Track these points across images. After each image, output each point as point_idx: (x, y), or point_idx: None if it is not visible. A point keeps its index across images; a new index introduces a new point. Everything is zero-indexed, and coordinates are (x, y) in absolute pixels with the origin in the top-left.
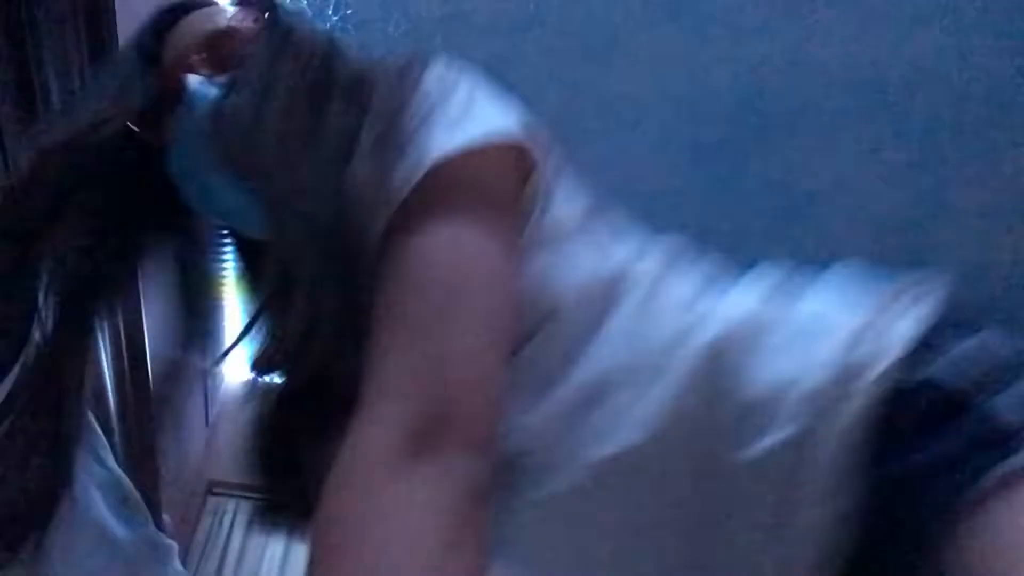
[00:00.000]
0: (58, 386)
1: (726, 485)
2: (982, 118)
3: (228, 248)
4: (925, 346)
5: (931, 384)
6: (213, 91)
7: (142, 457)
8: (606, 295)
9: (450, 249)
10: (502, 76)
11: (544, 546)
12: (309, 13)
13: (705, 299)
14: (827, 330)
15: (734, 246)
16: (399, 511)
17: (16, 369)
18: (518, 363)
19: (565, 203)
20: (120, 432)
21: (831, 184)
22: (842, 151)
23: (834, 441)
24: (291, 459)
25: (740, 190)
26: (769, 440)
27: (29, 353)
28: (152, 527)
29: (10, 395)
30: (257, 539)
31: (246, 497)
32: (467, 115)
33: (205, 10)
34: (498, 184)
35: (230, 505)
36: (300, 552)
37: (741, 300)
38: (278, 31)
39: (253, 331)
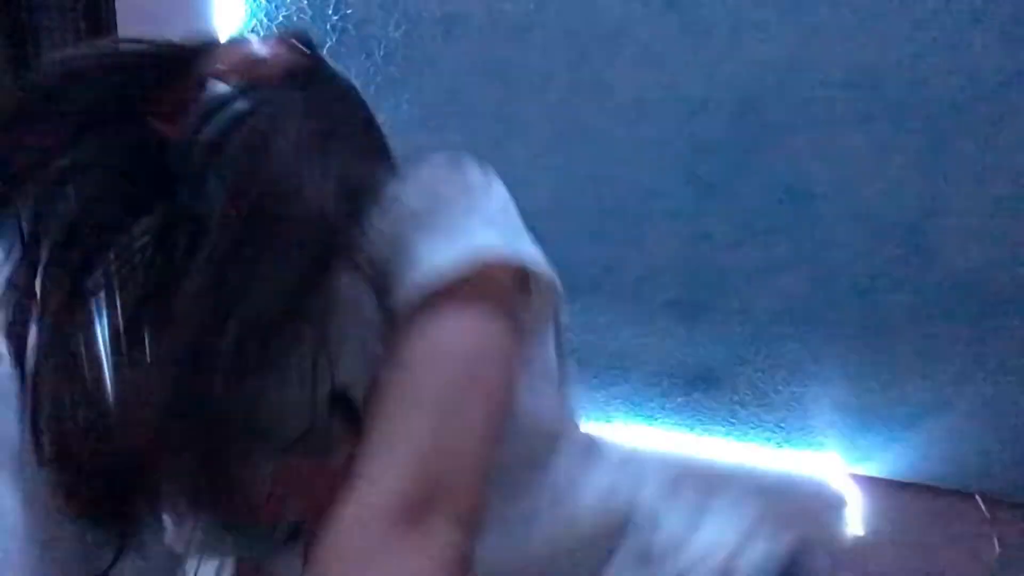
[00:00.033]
0: None
1: None
2: (982, 118)
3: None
4: None
5: None
6: (236, 103)
7: None
8: (549, 444)
9: (477, 343)
10: (502, 76)
11: None
12: (309, 13)
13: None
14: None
15: (734, 246)
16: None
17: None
18: None
19: (547, 346)
20: None
21: (831, 184)
22: (842, 151)
23: None
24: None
25: (740, 190)
26: None
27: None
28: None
29: None
30: None
31: None
32: (515, 225)
33: (249, 38)
34: (519, 301)
35: None
36: None
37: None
38: (316, 69)
39: None
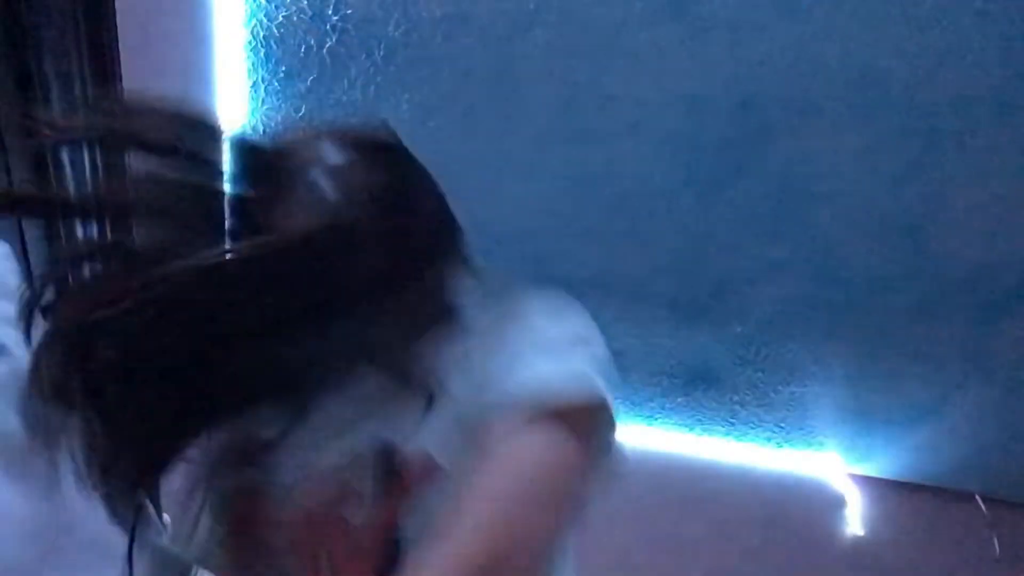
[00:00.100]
0: None
1: None
2: (982, 118)
3: None
4: None
5: None
6: (327, 190)
7: None
8: None
9: (565, 460)
10: (502, 76)
11: None
12: (309, 13)
13: None
14: None
15: (734, 246)
16: None
17: None
18: None
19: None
20: None
21: (831, 184)
22: (842, 151)
23: None
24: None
25: (740, 190)
26: None
27: None
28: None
29: None
30: None
31: None
32: (607, 369)
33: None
34: (594, 431)
35: None
36: None
37: None
38: (407, 166)
39: None
